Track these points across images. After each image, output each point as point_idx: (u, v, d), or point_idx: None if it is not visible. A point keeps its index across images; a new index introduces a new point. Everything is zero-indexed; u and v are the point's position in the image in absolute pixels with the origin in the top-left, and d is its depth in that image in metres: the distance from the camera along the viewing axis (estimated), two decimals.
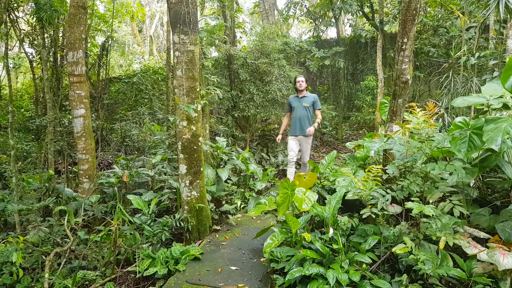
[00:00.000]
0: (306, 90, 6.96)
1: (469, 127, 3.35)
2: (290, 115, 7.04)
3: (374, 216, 3.56)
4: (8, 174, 7.31)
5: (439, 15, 11.35)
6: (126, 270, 4.34)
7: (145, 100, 11.32)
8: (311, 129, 6.56)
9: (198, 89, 5.10)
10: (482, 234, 3.35)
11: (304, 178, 4.87)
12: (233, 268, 4.22)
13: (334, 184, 4.87)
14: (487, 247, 3.09)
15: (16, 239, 4.03)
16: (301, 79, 6.85)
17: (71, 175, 7.55)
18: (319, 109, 6.92)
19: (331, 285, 3.09)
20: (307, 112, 6.76)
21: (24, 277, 3.97)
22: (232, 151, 7.09)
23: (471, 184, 3.97)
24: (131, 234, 4.63)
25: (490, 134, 2.97)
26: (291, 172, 6.73)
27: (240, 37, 13.23)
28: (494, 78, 6.36)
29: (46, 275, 3.70)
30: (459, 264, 3.23)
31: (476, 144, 3.22)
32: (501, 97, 3.45)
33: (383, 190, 3.59)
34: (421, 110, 3.59)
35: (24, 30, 9.23)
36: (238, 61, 9.79)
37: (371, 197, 3.63)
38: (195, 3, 4.99)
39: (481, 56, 7.45)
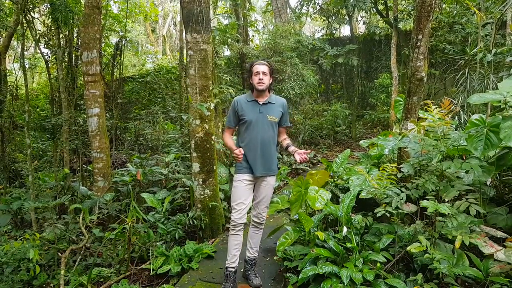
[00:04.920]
0: (270, 92, 3.76)
1: (486, 124, 3.29)
2: (233, 131, 3.87)
3: (388, 215, 3.52)
4: (25, 173, 7.45)
5: (455, 12, 11.19)
6: (140, 267, 4.39)
7: (159, 99, 11.44)
8: None
9: (211, 88, 5.12)
10: (499, 234, 3.28)
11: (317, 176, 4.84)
12: None
13: (348, 182, 4.83)
14: (504, 247, 3.03)
15: (32, 236, 4.09)
16: (262, 69, 3.56)
17: (86, 173, 7.64)
18: (288, 126, 3.92)
19: (345, 284, 3.06)
20: (274, 131, 3.68)
21: (41, 274, 4.04)
22: None
23: (488, 183, 3.89)
24: (145, 232, 4.67)
25: (508, 131, 2.90)
26: (234, 244, 3.65)
27: (253, 35, 13.28)
28: (511, 75, 6.24)
29: (62, 272, 3.76)
30: (475, 263, 3.17)
31: (493, 142, 3.16)
32: None
33: (398, 188, 3.55)
34: (436, 108, 3.53)
35: (40, 30, 9.39)
36: (250, 59, 9.81)
37: (386, 196, 3.59)
38: (208, 2, 5.00)
39: (498, 52, 7.30)
